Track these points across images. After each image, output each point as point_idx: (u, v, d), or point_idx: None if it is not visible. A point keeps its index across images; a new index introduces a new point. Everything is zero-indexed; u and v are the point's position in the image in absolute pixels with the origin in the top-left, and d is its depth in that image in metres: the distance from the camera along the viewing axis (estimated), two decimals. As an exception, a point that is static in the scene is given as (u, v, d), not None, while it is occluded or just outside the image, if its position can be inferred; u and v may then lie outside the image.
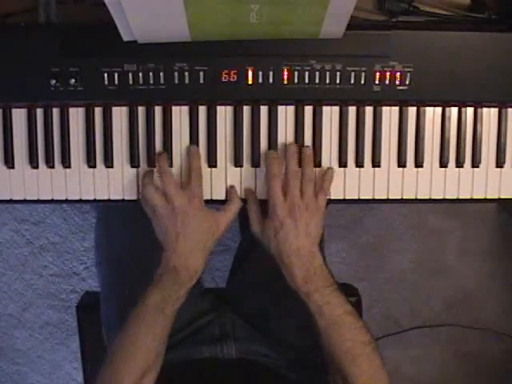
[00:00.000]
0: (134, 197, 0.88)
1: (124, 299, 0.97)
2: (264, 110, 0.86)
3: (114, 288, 1.03)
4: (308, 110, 0.86)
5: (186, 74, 0.84)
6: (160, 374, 0.86)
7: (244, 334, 1.01)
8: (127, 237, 1.01)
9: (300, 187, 0.83)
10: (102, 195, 0.88)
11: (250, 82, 0.84)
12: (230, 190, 0.88)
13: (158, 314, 0.82)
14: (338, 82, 0.84)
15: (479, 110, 0.87)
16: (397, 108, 0.87)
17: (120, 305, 0.99)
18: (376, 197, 0.89)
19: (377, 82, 0.84)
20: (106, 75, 0.84)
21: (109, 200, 0.88)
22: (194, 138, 0.87)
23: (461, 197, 0.89)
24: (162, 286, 0.83)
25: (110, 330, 1.03)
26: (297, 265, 0.83)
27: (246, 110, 0.86)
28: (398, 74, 0.84)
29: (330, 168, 0.87)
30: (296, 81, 0.84)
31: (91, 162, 0.87)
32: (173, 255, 0.83)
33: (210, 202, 0.88)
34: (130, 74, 0.83)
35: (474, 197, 0.89)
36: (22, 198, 0.89)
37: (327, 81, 0.84)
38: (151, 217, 0.85)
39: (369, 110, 0.87)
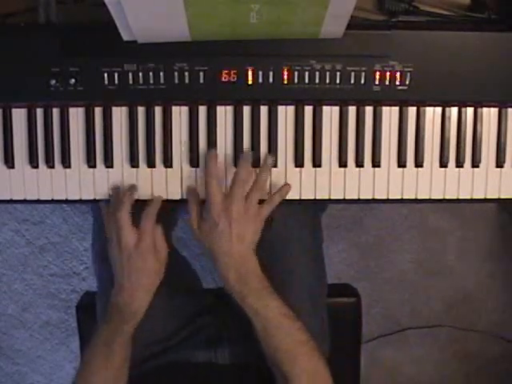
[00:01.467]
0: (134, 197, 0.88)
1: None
2: (264, 109, 0.86)
3: (108, 287, 1.03)
4: (308, 110, 0.86)
5: (186, 73, 0.84)
6: (156, 376, 0.86)
7: (241, 336, 1.00)
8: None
9: (245, 193, 0.83)
10: (102, 195, 0.88)
11: (249, 81, 0.84)
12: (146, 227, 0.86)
13: (106, 349, 0.84)
14: (337, 81, 0.84)
15: (479, 109, 0.87)
16: (397, 108, 0.87)
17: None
18: (376, 197, 0.89)
19: (377, 81, 0.84)
20: (106, 75, 0.84)
21: (108, 200, 0.88)
22: (193, 138, 0.87)
23: (461, 197, 0.89)
24: (109, 322, 0.86)
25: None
26: (229, 265, 0.84)
27: (246, 110, 0.86)
28: (397, 74, 0.84)
29: (287, 184, 0.87)
30: (296, 81, 0.84)
31: (91, 162, 0.87)
32: (118, 290, 0.86)
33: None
34: (130, 74, 0.83)
35: (474, 197, 0.89)
36: (21, 198, 0.89)
37: (327, 81, 0.84)
38: (108, 243, 0.86)
39: (369, 109, 0.87)
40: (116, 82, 0.84)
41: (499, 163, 0.88)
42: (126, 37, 0.79)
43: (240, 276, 0.83)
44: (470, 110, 0.87)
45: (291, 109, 0.86)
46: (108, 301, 0.88)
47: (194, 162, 0.87)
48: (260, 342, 0.85)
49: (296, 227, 0.98)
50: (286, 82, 0.84)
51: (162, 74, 0.83)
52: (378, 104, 0.86)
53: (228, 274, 0.84)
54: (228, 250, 0.83)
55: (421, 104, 0.87)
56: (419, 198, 0.89)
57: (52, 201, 0.89)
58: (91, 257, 1.11)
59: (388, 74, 0.84)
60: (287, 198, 0.87)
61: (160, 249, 0.87)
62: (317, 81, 0.84)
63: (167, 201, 0.88)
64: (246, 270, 0.84)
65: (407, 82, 0.84)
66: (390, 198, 0.89)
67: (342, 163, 0.87)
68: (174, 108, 0.86)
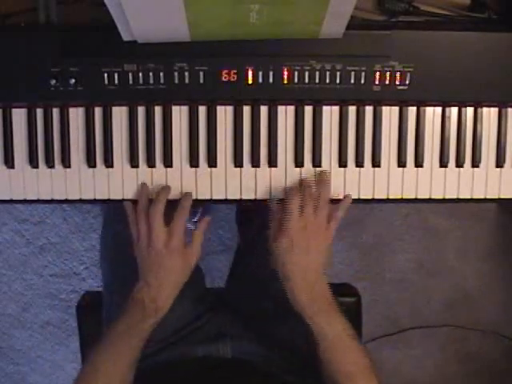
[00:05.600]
0: (134, 196, 0.88)
1: (126, 298, 0.97)
2: (264, 109, 0.86)
3: (116, 287, 1.03)
4: (308, 110, 0.86)
5: (186, 73, 0.83)
6: (153, 373, 0.86)
7: (241, 335, 1.01)
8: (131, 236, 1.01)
9: (315, 210, 0.83)
10: (102, 195, 0.88)
11: (250, 81, 0.84)
12: (196, 232, 0.88)
13: (122, 343, 0.84)
14: (337, 81, 0.84)
15: (479, 109, 0.87)
16: (397, 108, 0.87)
17: (122, 303, 0.99)
18: (376, 197, 0.89)
19: (377, 81, 0.84)
20: (105, 75, 0.84)
21: (109, 200, 0.88)
22: (193, 138, 0.87)
23: (461, 197, 0.89)
24: (129, 316, 0.85)
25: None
26: (302, 286, 0.84)
27: (246, 110, 0.86)
28: (397, 74, 0.84)
29: (348, 195, 0.87)
30: (296, 81, 0.84)
31: (91, 162, 0.87)
32: (144, 286, 0.85)
33: (210, 202, 0.88)
34: (130, 74, 0.83)
35: (474, 197, 0.89)
36: (21, 198, 0.89)
37: (327, 81, 0.84)
38: (134, 240, 0.86)
39: (369, 109, 0.87)
40: (116, 82, 0.84)
41: (499, 163, 0.88)
42: (126, 37, 0.79)
43: (312, 297, 0.84)
44: (469, 110, 0.87)
45: (291, 109, 0.86)
46: (124, 295, 0.87)
47: (194, 161, 0.87)
48: (321, 362, 0.85)
49: None
50: (286, 82, 0.84)
51: (161, 74, 0.83)
52: (378, 104, 0.86)
53: (301, 295, 0.84)
54: (303, 269, 0.83)
55: (421, 104, 0.87)
56: (419, 197, 0.89)
57: (52, 201, 0.89)
58: (100, 251, 1.10)
59: (388, 74, 0.84)
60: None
61: (193, 250, 0.87)
62: (317, 81, 0.84)
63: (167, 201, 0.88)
64: (318, 290, 0.84)
65: (407, 82, 0.84)
66: (390, 197, 0.89)
67: (342, 163, 0.87)
68: (173, 108, 0.86)
